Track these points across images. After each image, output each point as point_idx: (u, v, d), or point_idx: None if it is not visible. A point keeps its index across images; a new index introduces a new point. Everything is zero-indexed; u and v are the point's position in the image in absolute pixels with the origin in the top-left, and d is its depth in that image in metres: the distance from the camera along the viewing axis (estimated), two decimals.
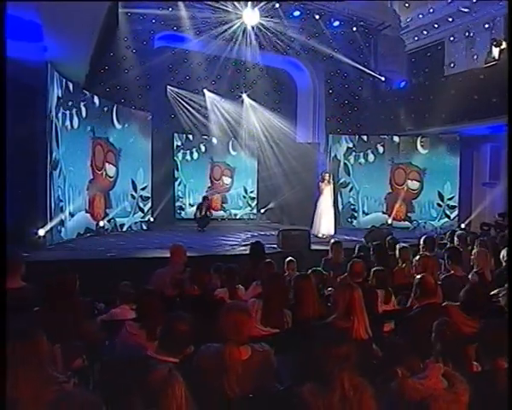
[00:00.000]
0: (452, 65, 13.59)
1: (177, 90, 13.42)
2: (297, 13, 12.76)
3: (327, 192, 11.04)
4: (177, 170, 14.08)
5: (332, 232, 10.89)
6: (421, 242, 6.73)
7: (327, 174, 11.13)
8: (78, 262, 6.76)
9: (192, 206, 14.29)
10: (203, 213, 12.53)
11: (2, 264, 2.79)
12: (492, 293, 4.62)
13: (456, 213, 12.84)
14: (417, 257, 5.07)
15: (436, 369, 2.39)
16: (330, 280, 5.69)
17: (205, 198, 13.03)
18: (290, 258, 5.95)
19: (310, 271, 5.15)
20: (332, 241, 6.97)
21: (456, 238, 7.21)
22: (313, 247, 8.88)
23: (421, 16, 14.04)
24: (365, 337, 3.08)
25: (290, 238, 8.69)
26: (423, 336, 3.06)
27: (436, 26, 13.81)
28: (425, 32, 14.24)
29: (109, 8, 6.21)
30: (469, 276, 5.26)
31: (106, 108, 10.63)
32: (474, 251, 5.76)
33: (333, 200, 11.24)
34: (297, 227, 9.96)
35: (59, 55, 7.31)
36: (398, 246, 6.32)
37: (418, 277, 4.04)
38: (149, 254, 7.69)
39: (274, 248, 8.60)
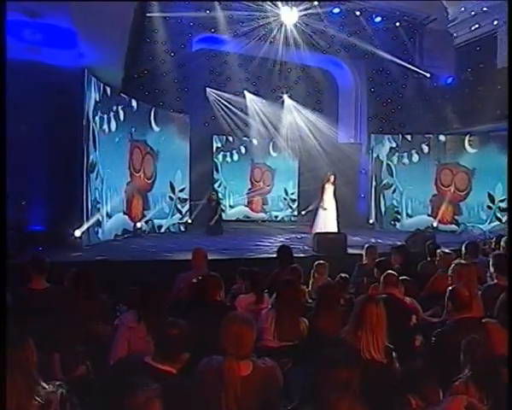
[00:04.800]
0: (505, 57, 12.78)
1: (216, 92, 13.44)
2: (337, 10, 12.52)
3: (330, 193, 10.67)
4: (217, 171, 14.13)
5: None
6: (463, 248, 6.30)
7: (332, 175, 10.80)
8: (102, 263, 6.83)
9: (232, 207, 14.33)
10: (216, 216, 11.60)
11: (2, 264, 2.78)
12: None
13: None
14: (452, 265, 4.63)
15: (457, 402, 2.11)
16: (363, 287, 5.43)
17: (211, 198, 11.80)
18: (320, 261, 5.71)
19: (337, 277, 4.94)
20: (366, 245, 6.68)
21: (503, 244, 6.71)
22: (350, 251, 8.58)
23: (470, 6, 13.29)
24: (377, 358, 2.75)
25: (325, 242, 8.45)
26: (453, 355, 2.78)
27: (487, 16, 13.03)
28: (475, 24, 13.48)
29: (135, 13, 6.26)
30: None
31: (144, 112, 10.77)
32: None
33: (335, 201, 10.80)
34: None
35: (94, 60, 7.46)
36: (438, 251, 5.94)
37: (450, 288, 3.73)
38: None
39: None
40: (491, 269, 5.17)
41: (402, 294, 4.39)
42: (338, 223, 10.55)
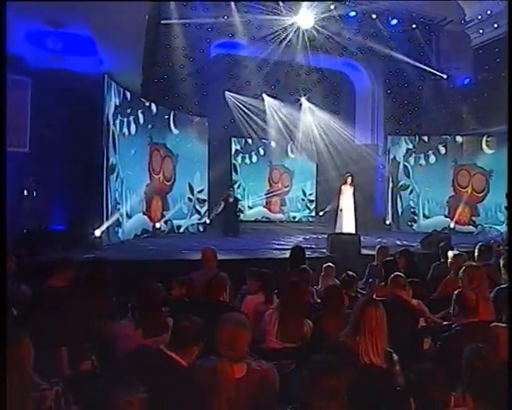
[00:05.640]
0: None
1: (235, 95, 13.62)
2: (353, 13, 12.49)
3: (348, 195, 10.75)
4: (236, 173, 14.31)
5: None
6: (476, 249, 6.26)
7: (349, 177, 10.84)
8: (117, 261, 6.85)
9: (251, 208, 14.50)
10: (233, 213, 11.72)
11: (2, 264, 2.95)
12: None
13: None
14: (463, 268, 4.48)
15: None
16: (375, 288, 5.46)
17: (229, 195, 11.86)
18: (328, 264, 5.73)
19: (343, 275, 4.95)
20: (378, 246, 6.73)
21: None
22: (364, 252, 8.62)
23: (487, 8, 13.13)
24: (377, 363, 2.65)
25: (339, 243, 8.49)
26: (457, 362, 2.65)
27: (504, 16, 12.86)
28: (492, 25, 13.31)
29: (153, 19, 6.47)
30: None
31: (163, 115, 11.01)
32: None
33: (353, 202, 10.87)
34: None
35: (114, 66, 7.72)
36: (450, 253, 5.92)
37: (456, 292, 3.64)
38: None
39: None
40: (503, 271, 5.19)
41: (409, 296, 4.33)
42: (356, 224, 10.60)
